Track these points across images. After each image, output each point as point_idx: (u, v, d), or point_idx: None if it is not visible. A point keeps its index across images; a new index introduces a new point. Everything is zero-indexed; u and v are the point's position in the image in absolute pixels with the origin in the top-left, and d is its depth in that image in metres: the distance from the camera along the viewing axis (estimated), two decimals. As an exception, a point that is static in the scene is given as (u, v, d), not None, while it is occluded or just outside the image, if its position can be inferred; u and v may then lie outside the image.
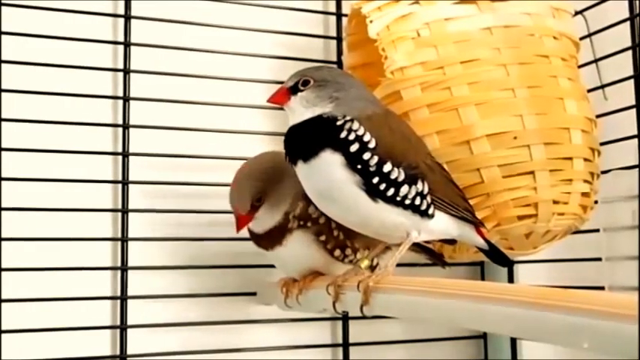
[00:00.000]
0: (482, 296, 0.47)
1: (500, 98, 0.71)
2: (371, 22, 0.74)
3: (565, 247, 0.81)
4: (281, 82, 0.90)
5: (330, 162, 0.61)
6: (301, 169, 0.63)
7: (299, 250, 0.71)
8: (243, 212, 0.71)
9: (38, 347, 0.79)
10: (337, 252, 0.71)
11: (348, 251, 0.71)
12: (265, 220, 0.72)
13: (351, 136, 0.61)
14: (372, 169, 0.60)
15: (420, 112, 0.72)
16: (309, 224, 0.70)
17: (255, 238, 0.75)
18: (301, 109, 0.65)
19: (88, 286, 0.82)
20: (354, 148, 0.60)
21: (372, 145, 0.61)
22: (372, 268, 0.70)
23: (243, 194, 0.71)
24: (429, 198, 0.63)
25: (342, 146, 0.60)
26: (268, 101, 0.67)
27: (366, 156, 0.60)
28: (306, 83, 0.65)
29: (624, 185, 0.71)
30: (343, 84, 0.65)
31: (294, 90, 0.65)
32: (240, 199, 0.71)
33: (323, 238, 0.70)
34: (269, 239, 0.72)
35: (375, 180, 0.60)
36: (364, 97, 0.66)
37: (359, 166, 0.60)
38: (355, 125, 0.61)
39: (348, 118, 0.62)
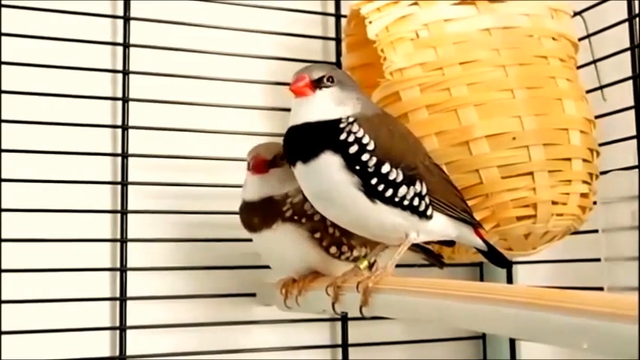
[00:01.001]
0: (481, 297, 0.47)
1: (499, 99, 0.71)
2: (370, 23, 0.74)
3: (564, 247, 0.81)
4: (280, 83, 0.90)
5: (330, 163, 0.60)
6: (300, 171, 0.63)
7: (290, 244, 0.71)
8: (269, 157, 0.72)
9: (38, 348, 0.79)
10: (333, 249, 0.71)
11: (345, 248, 0.71)
12: (270, 184, 0.71)
13: (351, 138, 0.61)
14: (370, 169, 0.60)
15: (419, 113, 0.72)
16: (303, 220, 0.70)
17: (247, 210, 0.74)
18: (329, 105, 0.63)
19: (87, 287, 0.82)
20: (353, 149, 0.60)
21: (370, 146, 0.61)
22: (371, 265, 0.70)
23: (271, 148, 0.73)
24: (427, 199, 0.63)
25: (341, 148, 0.60)
26: (292, 89, 0.63)
27: (365, 157, 0.60)
28: (331, 80, 0.63)
29: (623, 186, 0.71)
30: (353, 86, 0.65)
31: (318, 83, 0.63)
32: (267, 148, 0.73)
33: (318, 235, 0.70)
34: (261, 213, 0.72)
35: (374, 181, 0.60)
36: (363, 98, 0.66)
37: (357, 167, 0.60)
38: (355, 127, 0.61)
39: (351, 119, 0.62)
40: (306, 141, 0.62)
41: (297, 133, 0.63)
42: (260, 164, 0.72)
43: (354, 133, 0.61)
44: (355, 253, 0.71)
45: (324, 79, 0.63)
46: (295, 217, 0.70)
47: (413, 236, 0.63)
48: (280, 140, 0.66)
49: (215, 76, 0.89)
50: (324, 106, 0.63)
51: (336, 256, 0.71)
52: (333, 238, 0.70)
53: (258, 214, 0.72)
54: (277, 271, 0.77)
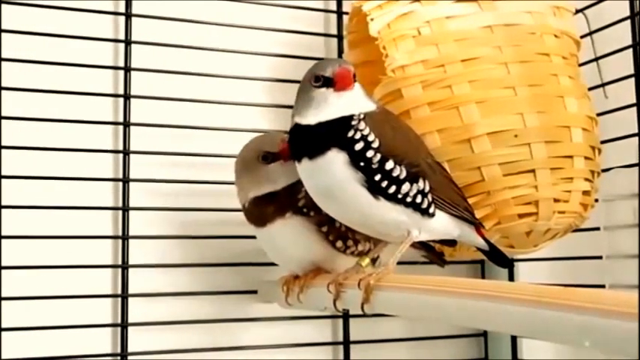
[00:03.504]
0: (482, 294, 0.47)
1: (501, 96, 0.71)
2: (372, 20, 0.74)
3: (565, 245, 0.81)
4: (282, 80, 0.90)
5: (335, 160, 0.61)
6: (305, 167, 0.63)
7: (297, 237, 0.71)
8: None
9: (39, 345, 0.79)
10: (339, 243, 0.71)
11: (350, 242, 0.71)
12: (293, 171, 0.67)
13: (357, 135, 0.61)
14: (374, 166, 0.60)
15: (420, 111, 0.72)
16: (312, 213, 0.70)
17: (262, 201, 0.72)
18: (358, 99, 0.63)
19: (88, 283, 0.82)
20: (358, 146, 0.60)
21: (375, 144, 0.61)
22: (373, 260, 0.70)
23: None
24: (429, 196, 0.63)
25: (348, 145, 0.60)
26: (344, 87, 0.61)
27: (370, 154, 0.60)
28: (355, 75, 0.63)
29: (625, 184, 0.71)
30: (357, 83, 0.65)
31: (354, 77, 0.63)
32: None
33: (325, 229, 0.70)
34: (278, 202, 0.71)
35: (377, 177, 0.60)
36: (367, 94, 0.66)
37: (362, 164, 0.60)
38: (362, 124, 0.61)
39: (361, 116, 0.62)
40: (316, 137, 0.62)
41: (320, 127, 0.62)
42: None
43: (361, 130, 0.61)
44: (360, 247, 0.71)
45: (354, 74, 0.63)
46: (305, 210, 0.70)
47: (415, 234, 0.63)
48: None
49: (217, 73, 0.89)
50: (356, 100, 0.63)
51: (342, 250, 0.71)
52: (339, 232, 0.70)
53: (275, 204, 0.71)
54: (280, 264, 0.77)
